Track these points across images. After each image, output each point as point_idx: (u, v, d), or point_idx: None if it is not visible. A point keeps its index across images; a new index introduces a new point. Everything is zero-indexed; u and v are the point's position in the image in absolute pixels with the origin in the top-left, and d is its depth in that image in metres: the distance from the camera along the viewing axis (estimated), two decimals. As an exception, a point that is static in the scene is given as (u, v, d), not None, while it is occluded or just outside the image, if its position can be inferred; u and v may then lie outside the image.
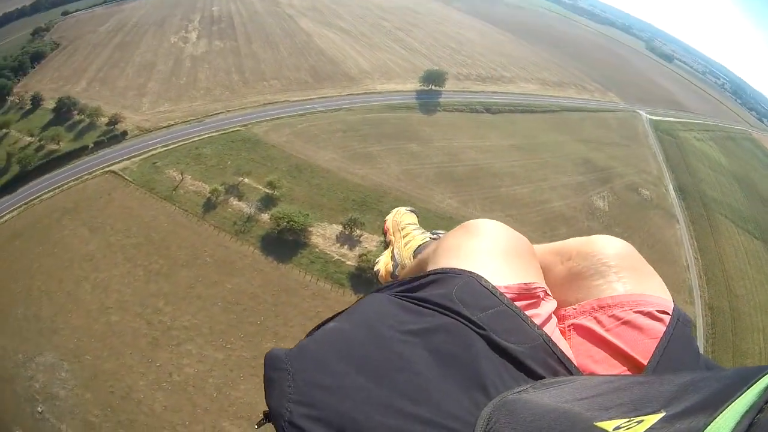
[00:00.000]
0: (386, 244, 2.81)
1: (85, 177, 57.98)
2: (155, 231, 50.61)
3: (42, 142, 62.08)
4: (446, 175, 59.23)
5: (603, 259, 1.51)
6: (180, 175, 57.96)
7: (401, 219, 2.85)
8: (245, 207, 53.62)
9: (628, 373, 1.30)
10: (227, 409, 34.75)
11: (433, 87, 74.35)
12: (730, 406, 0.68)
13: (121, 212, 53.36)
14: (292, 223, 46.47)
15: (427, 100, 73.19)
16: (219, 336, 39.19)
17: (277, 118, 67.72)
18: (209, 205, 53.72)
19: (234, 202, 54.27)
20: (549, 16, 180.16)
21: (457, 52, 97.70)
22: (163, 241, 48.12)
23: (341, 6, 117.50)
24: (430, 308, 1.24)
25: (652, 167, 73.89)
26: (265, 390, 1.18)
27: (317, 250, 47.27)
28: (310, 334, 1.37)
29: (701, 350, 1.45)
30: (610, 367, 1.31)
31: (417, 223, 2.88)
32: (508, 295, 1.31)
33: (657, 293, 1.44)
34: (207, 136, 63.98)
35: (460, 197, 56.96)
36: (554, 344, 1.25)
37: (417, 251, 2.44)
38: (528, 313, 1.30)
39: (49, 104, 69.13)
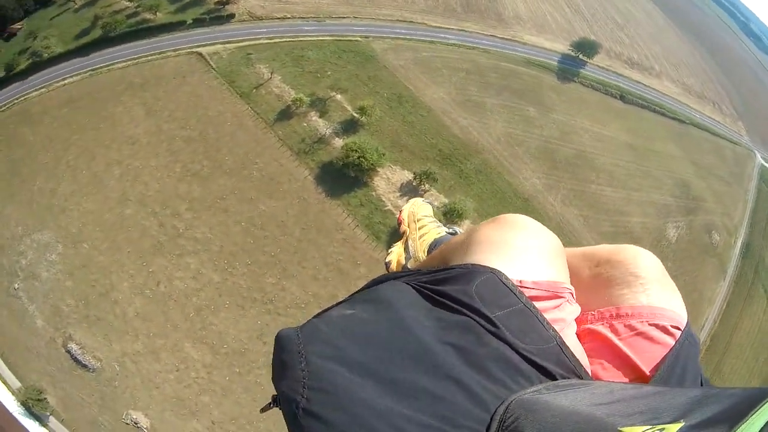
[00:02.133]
0: (400, 235, 2.65)
1: (168, 53, 48.78)
2: (214, 128, 43.30)
3: (138, 9, 52.56)
4: (548, 153, 53.05)
5: (630, 270, 1.47)
6: (269, 74, 47.43)
7: (418, 210, 2.67)
8: (322, 126, 44.80)
9: (628, 382, 1.31)
10: (197, 331, 33.65)
11: (581, 56, 66.20)
12: (749, 420, 0.70)
13: (188, 100, 45.50)
14: (362, 159, 40.55)
15: (568, 67, 64.82)
16: (226, 257, 36.90)
17: (405, 39, 56.20)
18: (285, 114, 44.79)
19: (314, 117, 45.28)
20: (721, 26, 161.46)
21: (620, 27, 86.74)
22: (217, 142, 42.67)
23: None
24: (448, 303, 1.19)
25: (737, 214, 67.37)
26: (274, 373, 1.10)
27: (374, 193, 42.38)
28: (317, 316, 1.27)
29: None
30: (617, 375, 1.31)
31: (432, 215, 2.69)
32: (534, 291, 1.27)
33: (674, 308, 1.41)
34: (319, 38, 51.66)
35: (547, 181, 51.62)
36: (567, 348, 1.21)
37: (432, 245, 2.36)
38: (550, 314, 1.26)
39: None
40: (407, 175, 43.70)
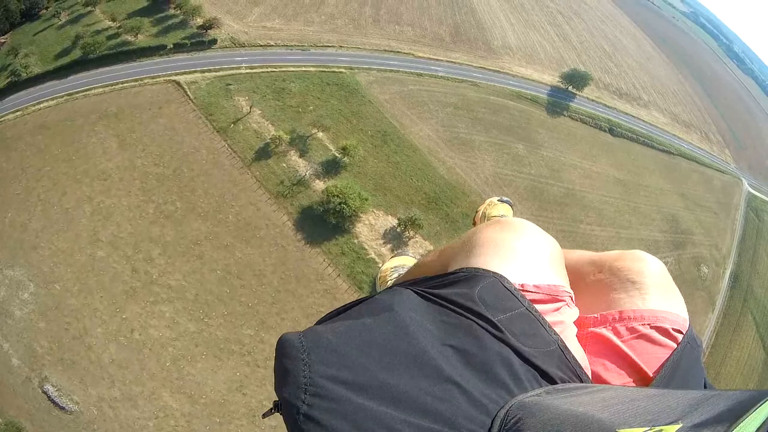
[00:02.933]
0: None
1: (146, 80, 47.40)
2: (189, 166, 41.83)
3: (120, 30, 51.15)
4: (537, 193, 52.15)
5: (633, 274, 1.51)
6: (249, 107, 45.85)
7: (389, 265, 2.81)
8: (302, 166, 43.01)
9: (633, 384, 1.36)
10: (174, 381, 32.85)
11: (570, 88, 65.35)
12: (746, 420, 0.72)
13: (163, 133, 44.00)
14: (344, 205, 38.86)
15: (557, 100, 63.71)
16: (201, 306, 35.77)
17: (391, 71, 54.74)
18: (263, 153, 43.17)
19: (293, 157, 43.63)
20: (704, 49, 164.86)
21: (608, 56, 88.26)
22: (191, 181, 41.24)
23: None
24: (451, 307, 1.21)
25: (725, 245, 67.11)
26: (277, 379, 1.10)
27: (356, 241, 40.88)
28: (319, 323, 1.30)
29: None
30: (619, 377, 1.36)
31: (404, 264, 2.80)
32: (536, 294, 1.31)
33: (677, 312, 1.46)
34: (302, 69, 49.96)
35: (537, 222, 42.54)
36: (568, 351, 1.24)
37: None
38: (550, 317, 1.30)
39: (150, -8, 58.18)
40: (391, 221, 42.27)
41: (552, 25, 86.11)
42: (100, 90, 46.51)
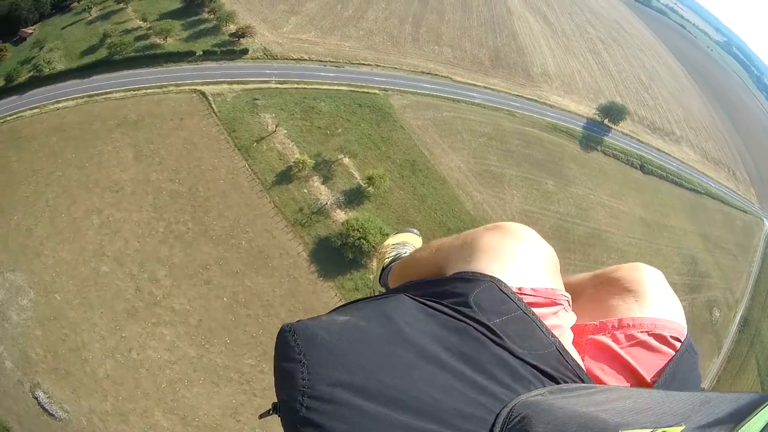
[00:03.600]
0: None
1: (170, 88, 44.93)
2: (205, 185, 39.52)
3: (149, 32, 48.74)
4: (562, 233, 49.44)
5: (632, 283, 1.53)
6: (275, 126, 42.73)
7: (391, 241, 2.71)
8: (324, 194, 40.46)
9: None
10: (168, 402, 31.85)
11: (606, 121, 63.09)
12: (750, 422, 0.72)
13: (182, 147, 41.48)
14: (363, 240, 36.57)
15: (592, 134, 61.39)
16: (204, 333, 34.23)
17: (426, 95, 51.53)
18: (285, 177, 40.48)
19: (316, 183, 40.99)
20: (736, 81, 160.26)
21: (645, 88, 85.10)
22: (206, 202, 38.92)
23: None
24: (446, 312, 1.20)
25: (739, 288, 64.20)
26: (275, 380, 1.09)
27: (371, 276, 30.96)
28: (312, 319, 1.23)
29: None
30: (617, 381, 1.35)
31: (404, 241, 2.69)
32: (533, 298, 1.32)
33: (675, 320, 1.47)
34: (335, 87, 46.79)
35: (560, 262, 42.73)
36: (567, 352, 1.23)
37: (385, 271, 2.44)
38: (548, 321, 1.30)
39: (184, -7, 55.80)
40: (409, 257, 38.89)
41: (592, 52, 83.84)
42: (122, 94, 44.19)
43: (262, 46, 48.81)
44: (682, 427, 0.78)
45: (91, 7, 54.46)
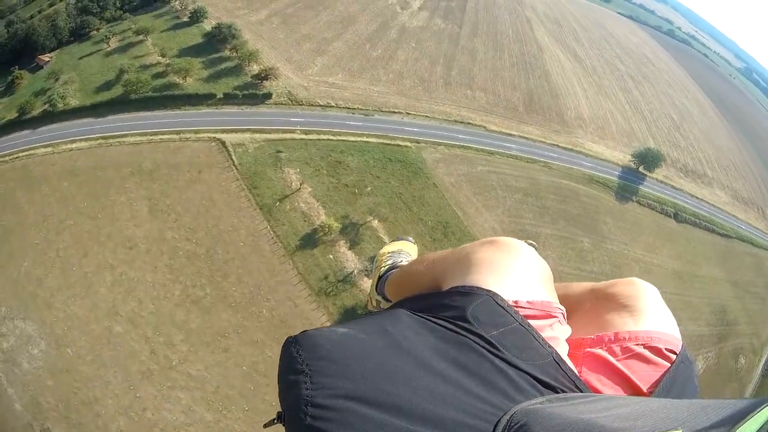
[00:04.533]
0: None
1: (188, 135, 42.58)
2: (224, 247, 37.16)
3: (167, 69, 46.07)
4: None
5: (627, 299, 1.57)
6: (299, 183, 39.94)
7: (386, 249, 2.70)
8: (351, 261, 37.91)
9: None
10: None
11: (641, 169, 61.16)
12: (744, 425, 0.74)
13: (199, 203, 38.80)
14: None
15: (627, 183, 59.24)
16: (221, 399, 32.64)
17: (460, 147, 48.72)
18: (309, 240, 37.92)
19: (342, 248, 38.42)
20: (759, 110, 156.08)
21: (676, 127, 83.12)
22: (225, 265, 36.47)
23: (582, 28, 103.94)
24: (444, 326, 1.22)
25: (764, 332, 61.40)
26: (279, 390, 1.13)
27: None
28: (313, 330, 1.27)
29: None
30: (615, 393, 1.37)
31: (399, 250, 2.69)
32: (529, 310, 1.34)
33: (670, 333, 1.49)
34: (363, 139, 44.05)
35: None
36: (564, 362, 1.25)
37: (381, 280, 2.46)
38: (543, 333, 1.32)
39: (208, 25, 53.16)
40: (437, 328, 36.56)
41: (623, 91, 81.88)
42: (137, 138, 41.77)
43: (286, 89, 46.09)
44: (678, 431, 0.79)
45: (109, 38, 52.18)
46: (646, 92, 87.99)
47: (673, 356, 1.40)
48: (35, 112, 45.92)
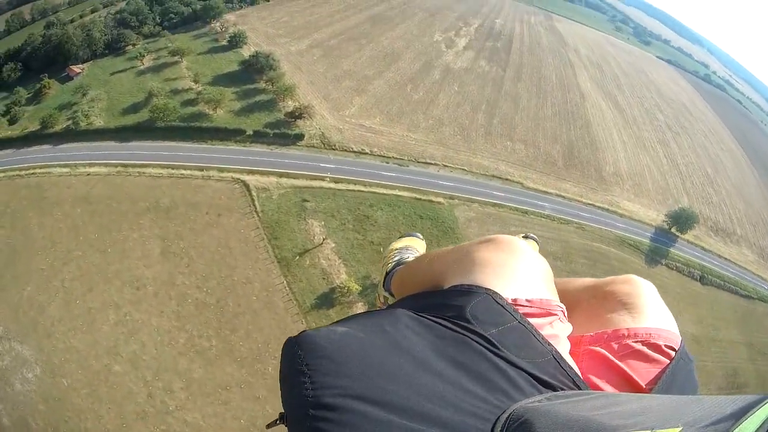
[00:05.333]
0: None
1: (211, 173, 40.29)
2: (236, 299, 35.10)
3: (199, 96, 44.14)
4: None
5: (625, 296, 1.57)
6: (323, 238, 37.25)
7: (395, 246, 2.69)
8: None
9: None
10: None
11: (674, 229, 58.70)
12: (746, 421, 0.74)
13: (215, 250, 36.38)
14: None
15: (658, 246, 56.10)
16: None
17: (494, 205, 45.87)
18: (326, 300, 35.53)
19: (360, 311, 33.29)
20: None
21: (710, 182, 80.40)
22: (234, 318, 34.67)
23: (624, 74, 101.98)
24: (443, 324, 1.23)
25: None
26: (281, 391, 1.14)
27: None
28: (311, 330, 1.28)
29: None
30: (614, 390, 1.37)
31: (406, 246, 2.68)
32: (528, 308, 1.34)
33: (669, 329, 1.50)
34: (395, 192, 41.83)
35: None
36: (564, 360, 1.27)
37: (388, 276, 2.44)
38: (543, 331, 1.33)
39: (246, 52, 51.37)
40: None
41: (661, 143, 79.73)
42: (158, 171, 39.95)
43: (320, 131, 43.77)
44: (679, 429, 0.79)
45: (143, 56, 50.72)
46: (683, 144, 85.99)
47: (673, 353, 1.38)
48: (57, 128, 44.59)
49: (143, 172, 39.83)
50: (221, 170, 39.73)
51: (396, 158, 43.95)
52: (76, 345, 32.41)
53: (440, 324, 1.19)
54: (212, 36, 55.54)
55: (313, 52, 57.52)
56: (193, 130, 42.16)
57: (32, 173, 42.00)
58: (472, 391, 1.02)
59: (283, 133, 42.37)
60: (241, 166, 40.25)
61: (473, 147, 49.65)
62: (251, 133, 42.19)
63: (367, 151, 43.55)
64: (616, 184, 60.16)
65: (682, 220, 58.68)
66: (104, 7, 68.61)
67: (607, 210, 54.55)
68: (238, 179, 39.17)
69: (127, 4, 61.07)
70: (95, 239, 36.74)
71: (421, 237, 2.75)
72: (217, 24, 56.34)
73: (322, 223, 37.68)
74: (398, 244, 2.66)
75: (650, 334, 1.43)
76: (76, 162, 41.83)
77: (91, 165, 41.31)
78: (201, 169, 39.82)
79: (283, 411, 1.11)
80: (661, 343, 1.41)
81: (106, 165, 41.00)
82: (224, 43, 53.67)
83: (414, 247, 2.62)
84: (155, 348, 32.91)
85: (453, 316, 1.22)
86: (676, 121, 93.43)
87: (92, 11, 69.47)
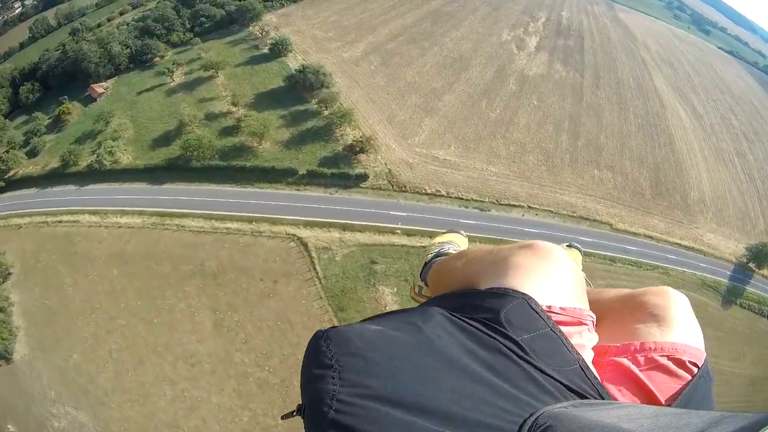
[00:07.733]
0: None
1: (261, 227, 36.14)
2: None
3: (240, 123, 39.12)
4: None
5: (657, 309, 1.59)
6: (395, 307, 33.07)
7: (436, 240, 2.69)
8: None
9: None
10: None
11: (751, 264, 54.44)
12: None
13: (274, 324, 33.07)
14: None
15: (735, 284, 51.50)
16: None
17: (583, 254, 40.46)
18: None
19: None
20: None
21: None
22: (300, 399, 26.29)
23: (695, 72, 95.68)
24: (477, 327, 1.25)
25: None
26: (304, 383, 1.12)
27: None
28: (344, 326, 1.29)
29: None
30: (633, 401, 1.40)
31: (448, 241, 2.68)
32: (561, 316, 1.37)
33: (695, 345, 1.52)
34: (476, 246, 35.00)
35: None
36: (589, 370, 1.30)
37: (426, 266, 2.43)
38: (572, 340, 1.36)
39: (292, 61, 45.89)
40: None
41: (739, 155, 73.95)
42: (199, 223, 36.26)
43: (386, 167, 38.48)
44: None
45: (173, 71, 45.44)
46: (758, 153, 79.82)
47: (696, 369, 1.41)
48: (81, 166, 40.55)
49: (182, 225, 35.85)
50: (273, 222, 35.36)
51: (476, 200, 38.59)
52: (133, 416, 31.03)
53: (474, 326, 1.21)
54: (251, 42, 50.11)
55: (369, 59, 52.07)
56: (236, 170, 37.69)
57: (59, 221, 39.09)
58: (499, 395, 1.04)
59: (343, 172, 37.28)
60: (296, 216, 35.79)
61: (559, 180, 44.09)
62: (304, 172, 37.29)
63: (443, 192, 38.19)
64: (700, 212, 55.97)
65: (762, 256, 55.11)
66: (133, 9, 63.97)
67: (692, 249, 50.62)
68: (294, 235, 34.76)
69: (156, 4, 55.85)
70: (138, 307, 34.16)
71: (464, 234, 2.73)
72: (256, 27, 50.45)
73: (395, 290, 33.29)
74: (441, 238, 2.67)
75: (676, 349, 1.44)
76: (106, 209, 38.41)
77: (122, 213, 37.69)
78: (249, 221, 35.60)
79: (301, 403, 1.09)
80: (685, 359, 1.42)
81: (139, 214, 37.14)
82: (265, 50, 48.33)
83: (456, 242, 2.61)
84: (218, 424, 30.78)
85: (487, 318, 1.23)
86: (749, 126, 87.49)
87: (121, 13, 65.20)
